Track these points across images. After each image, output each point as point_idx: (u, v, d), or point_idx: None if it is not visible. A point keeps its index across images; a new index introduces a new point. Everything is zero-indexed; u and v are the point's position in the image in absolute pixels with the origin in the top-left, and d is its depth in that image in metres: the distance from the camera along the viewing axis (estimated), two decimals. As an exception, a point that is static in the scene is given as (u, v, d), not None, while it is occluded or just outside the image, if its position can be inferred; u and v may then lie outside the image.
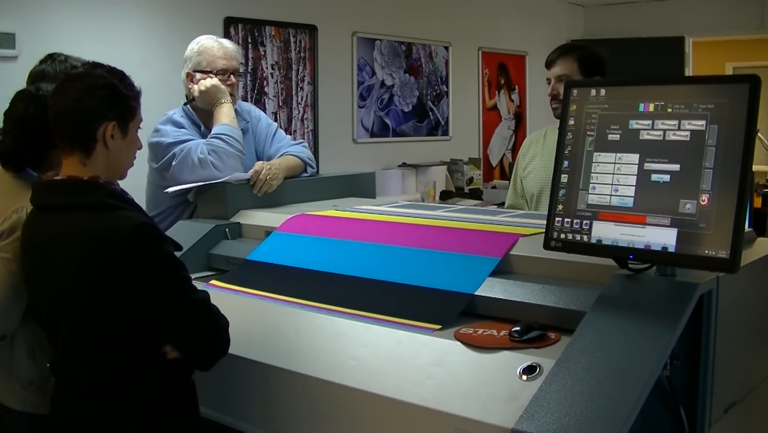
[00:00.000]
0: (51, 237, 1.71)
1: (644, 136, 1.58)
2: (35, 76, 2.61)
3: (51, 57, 2.68)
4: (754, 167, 1.54)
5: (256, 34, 5.12)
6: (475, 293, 1.81)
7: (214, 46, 2.82)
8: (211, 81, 2.76)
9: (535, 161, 3.00)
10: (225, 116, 2.71)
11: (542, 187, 2.90)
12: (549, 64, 2.91)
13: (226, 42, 2.88)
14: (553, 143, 2.85)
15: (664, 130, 1.56)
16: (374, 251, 2.10)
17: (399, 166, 6.13)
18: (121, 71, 1.79)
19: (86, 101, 1.70)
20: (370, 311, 1.86)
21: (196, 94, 2.77)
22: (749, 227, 1.94)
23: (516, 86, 7.49)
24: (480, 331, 1.70)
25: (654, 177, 1.55)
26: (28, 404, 1.90)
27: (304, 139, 5.30)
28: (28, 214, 1.83)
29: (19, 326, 1.88)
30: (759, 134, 4.19)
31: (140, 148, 1.85)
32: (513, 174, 3.15)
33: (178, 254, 1.74)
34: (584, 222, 1.63)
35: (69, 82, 1.74)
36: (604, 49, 2.95)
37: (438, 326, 1.74)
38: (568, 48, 2.97)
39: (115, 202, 1.69)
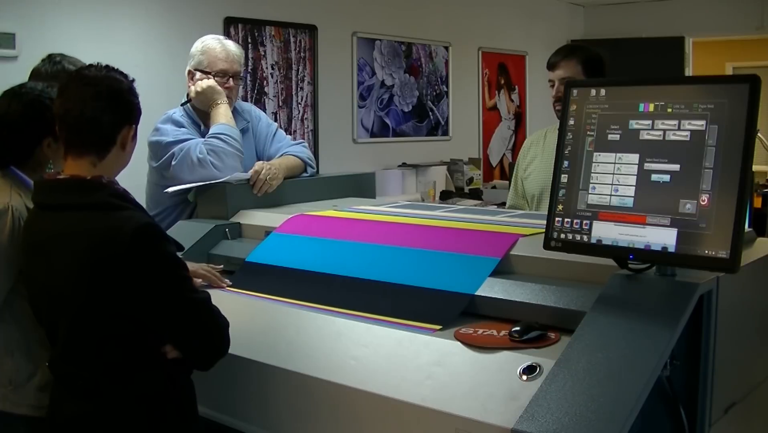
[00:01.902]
0: (53, 236, 1.71)
1: (644, 136, 1.58)
2: (32, 76, 2.64)
3: (49, 57, 2.70)
4: (754, 167, 1.54)
5: (256, 34, 5.12)
6: (475, 293, 1.81)
7: (217, 47, 2.82)
8: (208, 82, 2.76)
9: (536, 162, 3.00)
10: (222, 116, 2.71)
11: (543, 188, 2.90)
12: (552, 66, 2.87)
13: (231, 45, 2.87)
14: (553, 144, 2.84)
15: (664, 130, 1.56)
16: (374, 252, 2.10)
17: (399, 166, 6.13)
18: (129, 75, 1.80)
19: (111, 105, 1.71)
20: (369, 311, 1.86)
21: (192, 94, 2.77)
22: (749, 227, 1.94)
23: (516, 86, 7.49)
24: (480, 331, 1.70)
25: (654, 177, 1.55)
26: (7, 403, 1.90)
27: (304, 139, 5.30)
28: (17, 211, 1.85)
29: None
30: (759, 134, 4.19)
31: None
32: (513, 175, 3.15)
33: (179, 253, 1.75)
34: (584, 222, 1.63)
35: (88, 85, 1.71)
36: (605, 50, 2.94)
37: (438, 327, 1.74)
38: (571, 50, 2.94)
39: (118, 202, 1.69)
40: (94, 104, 1.69)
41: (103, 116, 1.70)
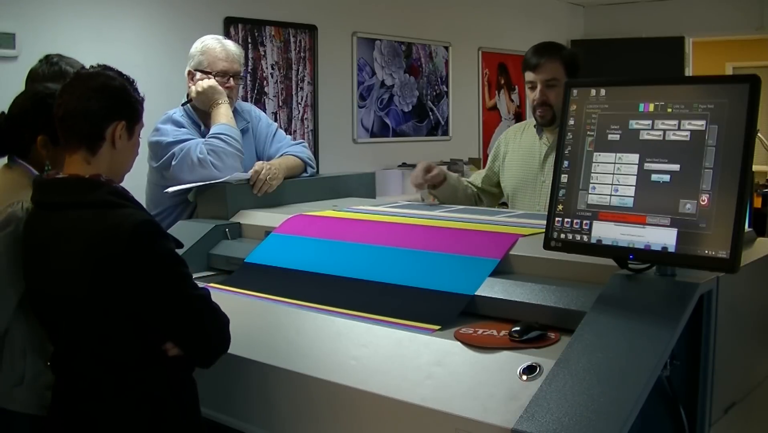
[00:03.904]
0: (53, 235, 1.71)
1: (644, 136, 1.58)
2: (29, 77, 2.64)
3: (46, 58, 2.70)
4: (754, 167, 1.54)
5: (256, 34, 5.13)
6: (475, 294, 1.81)
7: (217, 47, 2.83)
8: (208, 82, 2.76)
9: (511, 159, 2.88)
10: (222, 116, 2.72)
11: (516, 187, 2.82)
12: (534, 68, 2.66)
13: (230, 44, 2.88)
14: (528, 144, 2.80)
15: (664, 130, 1.56)
16: (373, 252, 2.10)
17: (399, 166, 6.13)
18: (128, 75, 1.81)
19: (99, 99, 1.72)
20: (369, 311, 1.86)
21: (193, 94, 2.78)
22: (749, 227, 1.94)
23: (516, 86, 7.49)
24: (480, 331, 1.70)
25: (654, 177, 1.55)
26: (15, 403, 1.90)
27: (304, 139, 5.30)
28: (26, 209, 1.83)
29: (11, 322, 1.88)
30: (759, 134, 4.19)
31: (137, 154, 1.87)
32: (489, 159, 3.00)
33: (179, 251, 1.75)
34: (584, 222, 1.63)
35: (80, 81, 1.75)
36: (581, 50, 2.84)
37: (437, 327, 1.74)
38: (554, 49, 2.73)
39: (117, 200, 1.70)
40: (83, 97, 1.72)
41: (90, 108, 1.71)
